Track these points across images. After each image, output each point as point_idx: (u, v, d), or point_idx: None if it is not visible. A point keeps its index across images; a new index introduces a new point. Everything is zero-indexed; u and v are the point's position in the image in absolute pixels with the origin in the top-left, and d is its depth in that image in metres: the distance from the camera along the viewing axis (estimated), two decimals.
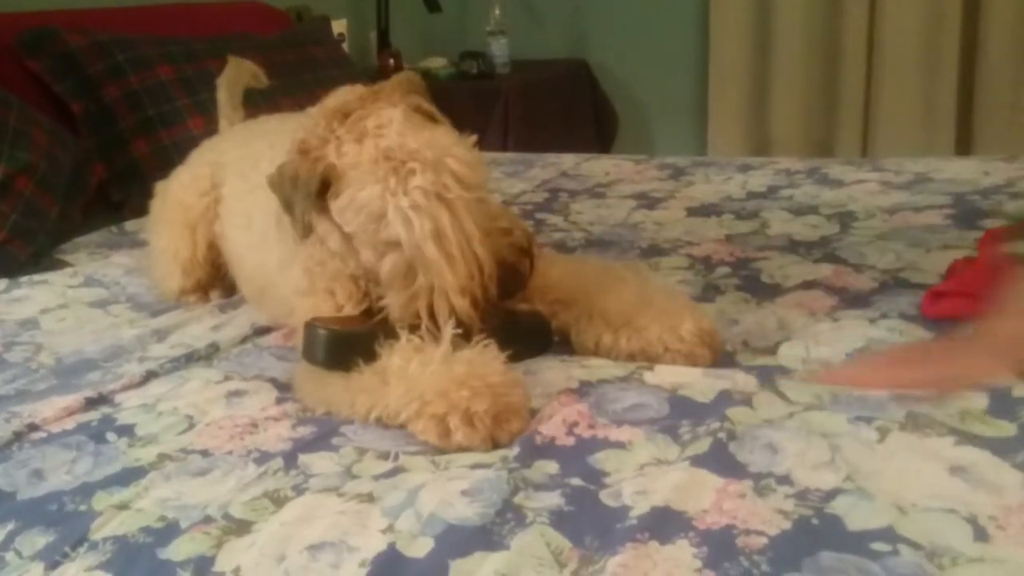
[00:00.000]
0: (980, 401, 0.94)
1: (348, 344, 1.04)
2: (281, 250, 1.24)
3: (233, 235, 1.41)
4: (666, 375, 1.07)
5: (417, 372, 0.98)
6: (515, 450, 0.91)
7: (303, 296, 1.18)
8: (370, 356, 1.02)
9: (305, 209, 1.08)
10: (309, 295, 1.18)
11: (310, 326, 1.07)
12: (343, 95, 1.17)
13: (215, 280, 1.50)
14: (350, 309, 1.15)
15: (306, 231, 1.10)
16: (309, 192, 1.07)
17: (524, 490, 0.84)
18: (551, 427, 0.96)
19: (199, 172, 1.49)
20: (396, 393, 0.97)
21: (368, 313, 1.13)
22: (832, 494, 0.81)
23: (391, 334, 1.04)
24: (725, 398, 1.00)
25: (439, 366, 0.97)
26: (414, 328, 1.04)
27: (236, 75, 1.74)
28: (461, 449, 0.92)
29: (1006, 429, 0.90)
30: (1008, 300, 0.94)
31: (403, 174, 1.04)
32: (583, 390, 1.04)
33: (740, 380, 1.05)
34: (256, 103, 2.14)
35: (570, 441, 0.93)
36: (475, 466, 0.90)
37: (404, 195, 1.03)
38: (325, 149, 1.09)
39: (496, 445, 0.92)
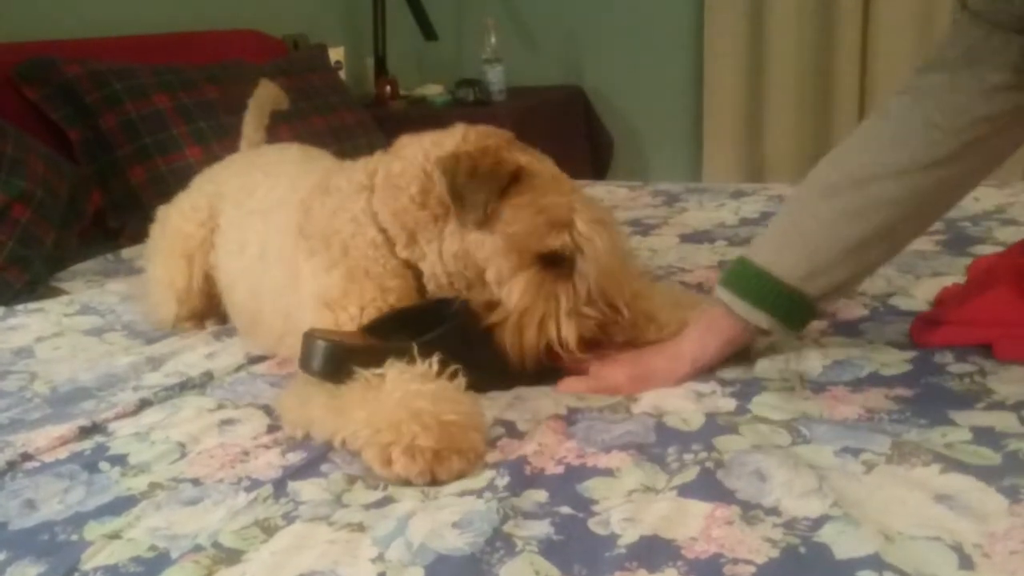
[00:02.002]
0: (963, 434, 0.95)
1: (346, 357, 1.04)
2: (284, 270, 1.25)
3: (226, 263, 1.42)
4: (648, 399, 1.09)
5: (379, 401, 0.99)
6: (505, 478, 0.92)
7: (323, 308, 1.18)
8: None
9: (488, 200, 1.12)
10: (332, 309, 1.17)
11: (309, 336, 1.08)
12: (471, 133, 1.24)
13: (210, 310, 1.50)
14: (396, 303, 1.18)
15: (483, 221, 1.13)
16: (499, 185, 1.12)
17: (514, 519, 0.85)
18: (539, 456, 0.96)
19: (198, 202, 1.50)
20: (358, 418, 0.98)
21: (371, 331, 1.14)
22: (819, 522, 0.81)
23: (388, 353, 1.05)
24: (711, 424, 1.01)
25: (402, 396, 0.98)
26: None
27: (266, 97, 1.77)
28: (400, 480, 0.93)
29: (991, 458, 0.90)
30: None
31: (584, 197, 1.15)
32: (571, 417, 1.05)
33: (722, 404, 1.06)
34: None
35: (559, 469, 0.94)
36: (464, 494, 0.90)
37: (589, 211, 1.13)
38: (510, 154, 1.16)
39: (435, 481, 0.92)
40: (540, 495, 0.89)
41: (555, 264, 1.13)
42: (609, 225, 1.14)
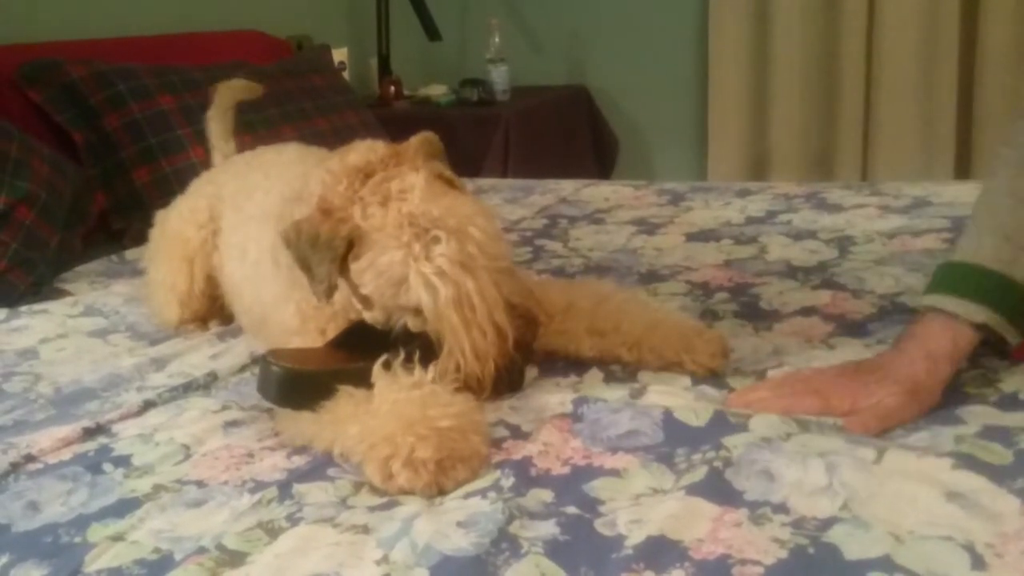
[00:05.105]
0: (976, 432, 0.94)
1: (302, 384, 1.03)
2: (276, 287, 1.25)
3: (230, 267, 1.41)
4: (654, 397, 1.07)
5: (370, 413, 0.98)
6: (510, 479, 0.91)
7: (293, 335, 1.19)
8: (325, 397, 1.02)
9: (330, 271, 1.08)
10: (299, 335, 1.18)
11: (265, 361, 1.07)
12: (364, 153, 1.16)
13: (213, 311, 1.50)
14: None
15: (330, 292, 1.10)
16: (336, 255, 1.08)
17: (519, 519, 0.84)
18: (544, 456, 0.95)
19: (197, 204, 1.49)
20: (352, 433, 0.97)
21: (338, 345, 1.13)
22: (829, 523, 0.80)
23: (355, 375, 1.04)
24: (719, 422, 1.00)
25: (392, 407, 0.97)
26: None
27: (226, 101, 1.71)
28: (404, 492, 0.91)
29: (1003, 456, 0.89)
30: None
31: (426, 241, 1.05)
32: (576, 414, 1.04)
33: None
34: (257, 131, 2.17)
35: (565, 470, 0.93)
36: (469, 495, 0.89)
37: (428, 261, 1.04)
38: (350, 210, 1.09)
39: (441, 491, 0.91)
40: (546, 495, 0.88)
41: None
42: (445, 280, 1.04)
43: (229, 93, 1.72)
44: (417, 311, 1.07)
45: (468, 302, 1.04)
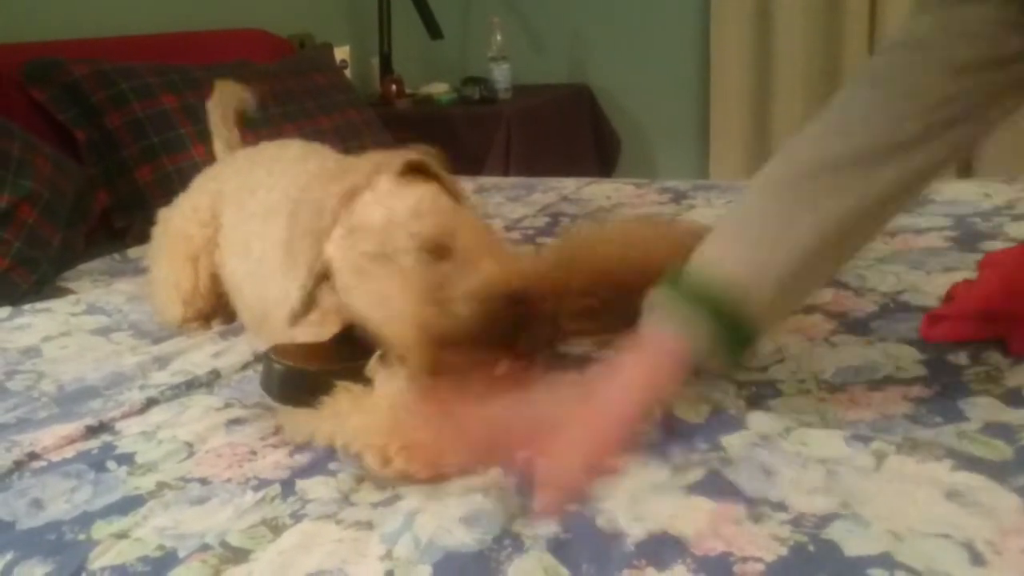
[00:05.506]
0: (977, 430, 0.94)
1: (304, 381, 1.04)
2: (283, 280, 1.24)
3: (232, 264, 1.42)
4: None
5: (368, 408, 0.99)
6: (512, 477, 0.91)
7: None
8: (327, 394, 1.03)
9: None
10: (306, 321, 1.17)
11: (267, 358, 1.07)
12: (349, 178, 1.15)
13: (216, 309, 1.50)
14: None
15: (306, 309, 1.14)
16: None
17: (521, 517, 0.84)
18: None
19: (200, 202, 1.50)
20: (353, 425, 0.98)
21: (340, 342, 1.13)
22: (827, 519, 0.80)
23: (357, 372, 1.04)
24: (717, 419, 1.00)
25: (390, 401, 0.98)
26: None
27: (226, 98, 1.75)
28: (403, 477, 0.92)
29: (1004, 452, 0.89)
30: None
31: (354, 239, 1.08)
32: None
33: (731, 400, 1.05)
34: (259, 130, 2.17)
35: None
36: (471, 492, 0.90)
37: (350, 260, 1.08)
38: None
39: (439, 475, 0.92)
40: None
41: None
42: (371, 266, 1.07)
43: (228, 92, 1.76)
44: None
45: (386, 300, 1.05)
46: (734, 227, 0.98)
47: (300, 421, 1.04)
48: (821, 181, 0.93)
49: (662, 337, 0.92)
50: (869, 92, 0.96)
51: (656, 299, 0.94)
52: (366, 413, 0.98)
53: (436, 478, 0.92)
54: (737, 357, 0.96)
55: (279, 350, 1.09)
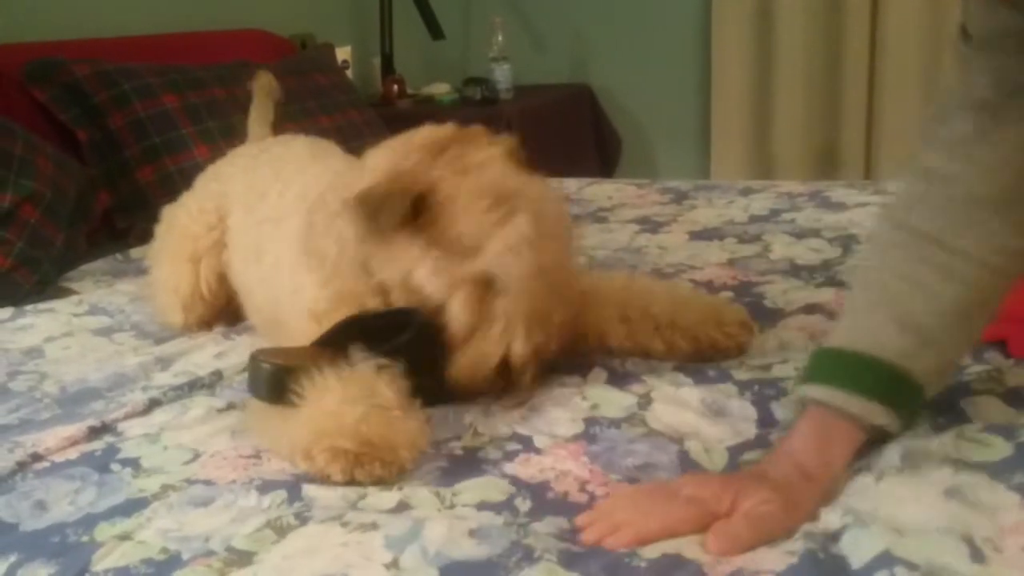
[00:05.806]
0: (977, 430, 0.94)
1: (291, 380, 1.03)
2: (297, 278, 1.23)
3: (242, 268, 1.40)
4: (665, 415, 1.05)
5: (313, 414, 0.98)
6: (527, 503, 0.90)
7: (313, 319, 1.17)
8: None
9: (391, 224, 1.07)
10: (325, 317, 1.16)
11: (254, 359, 1.07)
12: (434, 131, 1.16)
13: (218, 314, 1.49)
14: None
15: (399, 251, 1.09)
16: (400, 211, 1.06)
17: (533, 536, 0.83)
18: (562, 480, 0.94)
19: (205, 204, 1.48)
20: (288, 430, 0.99)
21: (325, 343, 1.12)
22: (836, 535, 0.79)
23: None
24: (732, 468, 0.96)
25: (333, 411, 0.97)
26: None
27: (268, 86, 1.80)
28: (322, 475, 0.93)
29: (1004, 449, 0.89)
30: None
31: (506, 211, 1.04)
32: (589, 434, 1.03)
33: (744, 428, 1.03)
34: None
35: (583, 498, 0.91)
36: (483, 507, 0.89)
37: (511, 228, 1.04)
38: (422, 178, 1.08)
39: (353, 480, 0.93)
40: (562, 523, 0.86)
41: (489, 285, 1.06)
42: (528, 248, 1.04)
43: (268, 81, 1.84)
44: (476, 285, 1.04)
45: (543, 276, 1.03)
46: (870, 302, 0.96)
47: (255, 430, 1.05)
48: (945, 246, 0.93)
49: (837, 426, 0.90)
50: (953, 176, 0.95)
51: (816, 392, 0.92)
52: (309, 417, 0.98)
53: (351, 483, 0.93)
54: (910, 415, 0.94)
55: (265, 352, 1.08)
